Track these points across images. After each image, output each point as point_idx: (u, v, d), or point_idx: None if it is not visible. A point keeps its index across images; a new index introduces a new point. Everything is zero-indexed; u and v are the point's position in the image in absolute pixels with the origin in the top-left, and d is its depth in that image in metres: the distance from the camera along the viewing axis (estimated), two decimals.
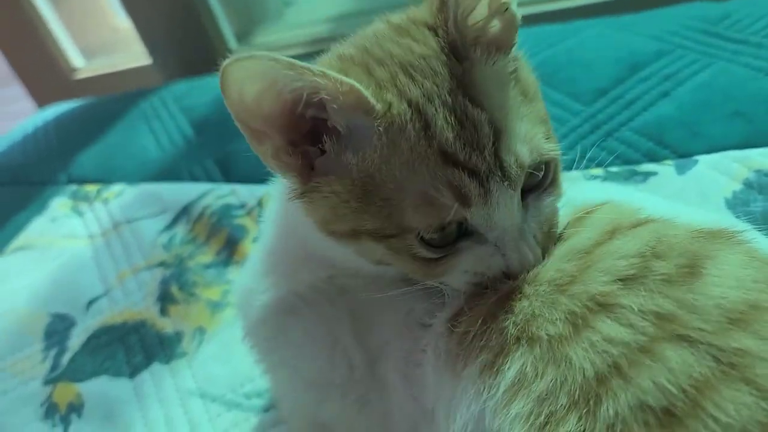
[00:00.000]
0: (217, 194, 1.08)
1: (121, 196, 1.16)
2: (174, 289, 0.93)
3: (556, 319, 0.46)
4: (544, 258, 0.52)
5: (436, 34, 0.52)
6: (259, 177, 0.61)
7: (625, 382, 0.40)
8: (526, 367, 0.45)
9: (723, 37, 1.01)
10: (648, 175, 0.83)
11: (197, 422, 0.75)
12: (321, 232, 0.55)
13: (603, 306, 0.45)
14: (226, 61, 0.44)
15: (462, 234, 0.51)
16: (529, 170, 0.50)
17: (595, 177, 0.85)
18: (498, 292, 0.51)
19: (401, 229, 0.50)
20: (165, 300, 0.92)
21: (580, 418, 0.40)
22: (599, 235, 0.52)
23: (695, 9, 1.12)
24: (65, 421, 0.79)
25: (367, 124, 0.48)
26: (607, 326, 0.43)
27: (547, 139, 0.52)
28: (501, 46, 0.53)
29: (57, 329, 0.92)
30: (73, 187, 1.24)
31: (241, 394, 0.77)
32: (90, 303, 0.95)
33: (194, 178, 1.15)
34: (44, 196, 1.24)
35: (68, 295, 0.98)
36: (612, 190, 0.70)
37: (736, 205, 0.74)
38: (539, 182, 0.52)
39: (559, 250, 0.52)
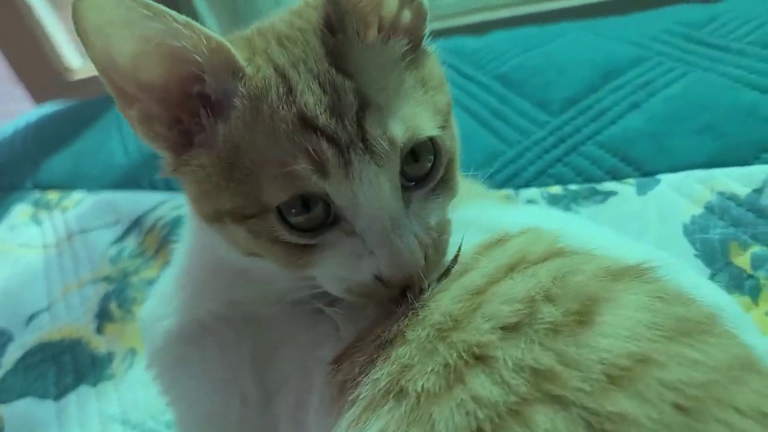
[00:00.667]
0: (172, 205, 1.04)
1: (80, 204, 1.13)
2: (113, 306, 0.89)
3: (430, 371, 0.41)
4: (431, 275, 0.47)
5: (320, 11, 0.50)
6: None
7: None
8: (389, 427, 0.40)
9: (704, 43, 0.94)
10: (608, 194, 0.77)
11: None
12: (196, 215, 0.52)
13: (479, 359, 0.40)
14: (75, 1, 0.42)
15: (330, 222, 0.47)
16: (405, 153, 0.47)
17: (552, 195, 0.80)
18: (384, 330, 0.46)
19: (261, 206, 0.46)
20: (103, 318, 0.88)
21: None
22: (496, 270, 0.47)
23: (681, 12, 1.05)
24: None
25: (235, 89, 0.46)
26: (479, 383, 0.38)
27: (439, 128, 0.48)
28: (411, 35, 0.51)
29: None
30: (37, 194, 1.21)
31: (162, 423, 0.73)
32: (31, 317, 0.92)
33: (154, 187, 1.12)
34: (8, 202, 1.21)
35: (12, 308, 0.95)
36: (542, 215, 0.64)
37: (694, 231, 0.68)
38: (426, 176, 0.48)
39: (454, 286, 0.47)
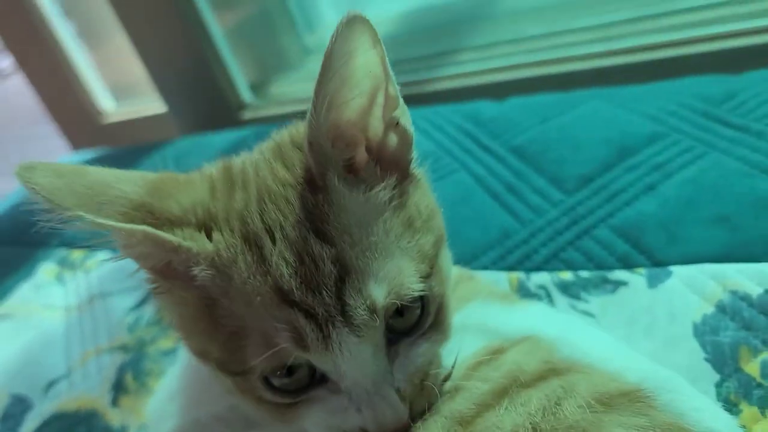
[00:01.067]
0: None
1: (103, 265, 1.16)
2: (128, 378, 0.91)
3: None
4: (417, 414, 0.47)
5: (305, 157, 0.49)
6: None
7: None
8: None
9: (723, 122, 0.93)
10: (618, 284, 0.76)
11: None
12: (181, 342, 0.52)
13: None
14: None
15: (316, 380, 0.47)
16: (390, 312, 0.46)
17: (562, 282, 0.79)
18: None
19: (245, 367, 0.46)
20: (118, 389, 0.90)
21: None
22: (487, 395, 0.47)
23: (699, 85, 1.04)
24: None
25: (201, 269, 0.46)
26: None
27: (425, 277, 0.47)
28: (396, 166, 0.50)
29: (13, 413, 0.92)
30: (63, 252, 1.24)
31: None
32: (50, 384, 0.95)
33: None
34: (35, 259, 1.25)
35: (32, 374, 0.97)
36: (547, 319, 0.64)
37: (704, 332, 0.67)
38: (415, 325, 0.48)
39: (443, 413, 0.47)
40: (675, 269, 0.75)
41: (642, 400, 0.45)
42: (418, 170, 0.54)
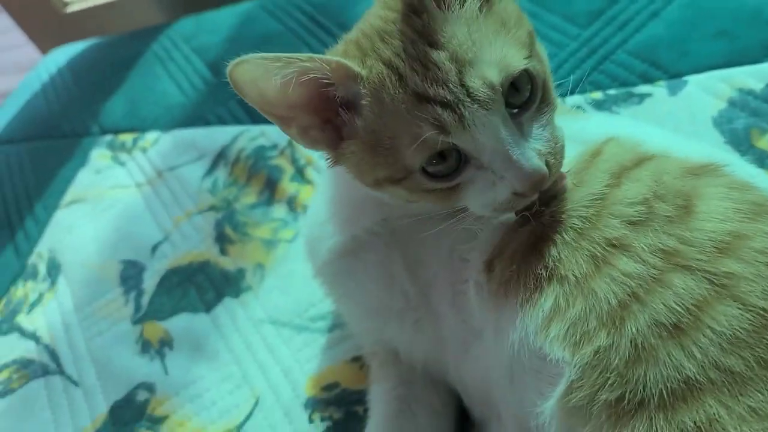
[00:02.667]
0: (249, 136, 1.17)
1: (157, 144, 1.26)
2: (228, 230, 1.05)
3: (581, 261, 0.58)
4: (555, 175, 0.60)
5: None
6: None
7: (642, 306, 0.53)
8: (559, 300, 0.57)
9: None
10: (643, 96, 0.93)
11: (274, 345, 0.89)
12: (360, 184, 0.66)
13: (618, 247, 0.57)
14: (229, 68, 0.55)
15: (464, 162, 0.59)
16: (506, 89, 0.57)
17: (595, 101, 0.96)
18: (528, 233, 0.62)
19: (407, 170, 0.59)
20: (222, 241, 1.04)
21: (608, 334, 0.53)
22: (609, 178, 0.62)
23: None
24: (160, 354, 0.93)
25: (359, 91, 0.59)
26: (624, 263, 0.55)
27: (527, 58, 0.59)
28: None
29: (130, 275, 1.05)
30: (108, 138, 1.33)
31: (306, 319, 0.91)
32: (154, 248, 1.08)
33: (222, 122, 1.24)
34: (82, 148, 1.33)
35: (132, 243, 1.10)
36: (612, 123, 0.80)
37: (721, 123, 0.85)
38: (528, 99, 0.59)
39: (578, 195, 0.63)
40: (689, 78, 0.92)
41: (716, 170, 0.62)
42: None
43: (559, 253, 0.59)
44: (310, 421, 0.81)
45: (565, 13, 1.10)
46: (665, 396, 0.51)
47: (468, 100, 0.55)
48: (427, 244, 0.71)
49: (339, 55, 0.60)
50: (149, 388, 0.90)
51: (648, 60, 0.97)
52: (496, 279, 0.63)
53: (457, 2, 0.59)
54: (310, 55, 0.57)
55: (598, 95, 0.97)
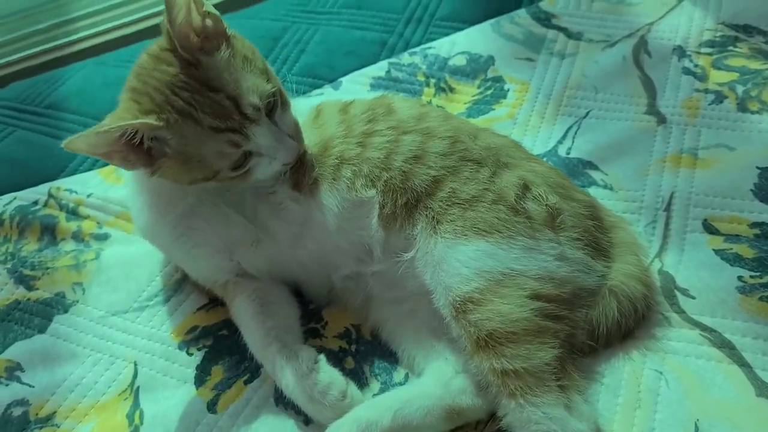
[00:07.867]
0: (1, 204, 1.26)
1: None
2: (27, 271, 1.13)
3: (353, 147, 0.96)
4: (301, 143, 0.93)
5: (176, 55, 0.83)
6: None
7: (396, 154, 0.95)
8: (353, 169, 0.95)
9: None
10: (320, 95, 1.39)
11: (125, 326, 1.05)
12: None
13: (370, 134, 0.97)
14: (65, 143, 0.77)
15: (249, 156, 0.88)
16: (265, 105, 0.85)
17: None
18: (306, 164, 0.97)
19: (215, 172, 0.87)
20: (25, 280, 1.12)
21: (387, 172, 0.94)
22: (340, 114, 1.03)
23: None
24: (15, 378, 1.00)
25: (163, 133, 0.83)
26: (376, 140, 0.95)
27: (268, 81, 0.87)
28: (219, 34, 0.86)
29: None
30: None
31: (143, 300, 1.09)
32: None
33: None
34: None
35: None
36: (306, 101, 1.21)
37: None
38: (274, 105, 0.88)
39: (329, 129, 1.00)
40: (342, 79, 1.42)
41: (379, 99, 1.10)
42: (231, 31, 0.89)
43: (340, 152, 0.97)
44: (189, 354, 1.01)
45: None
46: (427, 189, 0.93)
47: (246, 121, 0.84)
48: (242, 194, 1.00)
49: (134, 109, 0.82)
50: (21, 402, 0.97)
51: (312, 76, 1.45)
52: (306, 187, 0.97)
53: (215, 51, 0.84)
54: (120, 124, 0.78)
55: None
